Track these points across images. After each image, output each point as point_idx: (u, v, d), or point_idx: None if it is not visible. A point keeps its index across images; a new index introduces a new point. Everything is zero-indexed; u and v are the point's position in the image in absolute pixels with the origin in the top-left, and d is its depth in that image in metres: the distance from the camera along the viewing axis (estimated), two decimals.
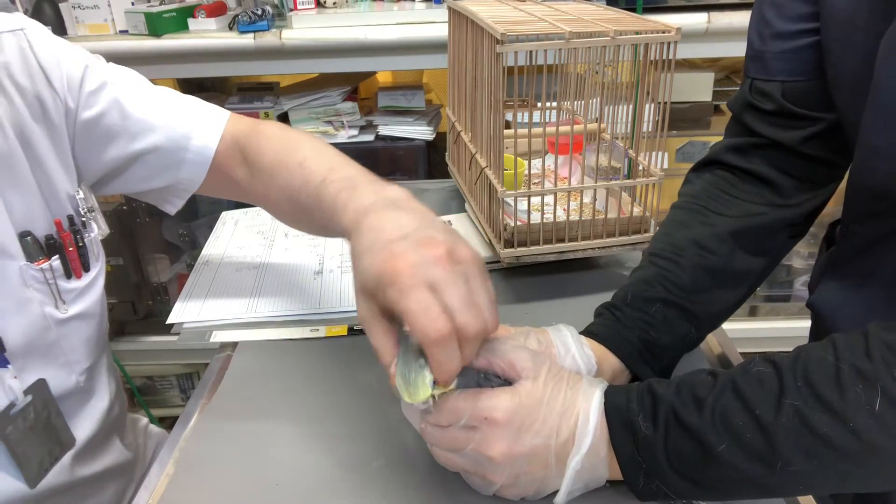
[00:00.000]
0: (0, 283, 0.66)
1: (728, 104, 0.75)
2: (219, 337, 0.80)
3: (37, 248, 0.69)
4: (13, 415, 0.67)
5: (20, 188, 0.68)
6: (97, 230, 0.76)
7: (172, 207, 0.81)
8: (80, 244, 0.74)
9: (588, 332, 0.65)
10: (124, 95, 0.74)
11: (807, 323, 0.78)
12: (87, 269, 0.75)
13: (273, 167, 0.73)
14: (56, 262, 0.71)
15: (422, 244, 0.49)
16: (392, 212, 0.53)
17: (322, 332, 0.79)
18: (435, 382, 0.50)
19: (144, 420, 0.98)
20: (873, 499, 0.68)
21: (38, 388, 0.70)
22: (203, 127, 0.76)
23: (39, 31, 0.71)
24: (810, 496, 0.57)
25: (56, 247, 0.71)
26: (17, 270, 0.68)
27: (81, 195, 0.74)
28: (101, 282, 0.77)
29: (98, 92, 0.73)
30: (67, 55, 0.72)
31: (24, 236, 0.68)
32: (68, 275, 0.72)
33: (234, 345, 0.79)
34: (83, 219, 0.74)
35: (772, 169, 0.70)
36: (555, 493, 0.54)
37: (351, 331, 0.79)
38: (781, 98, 0.67)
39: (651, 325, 0.64)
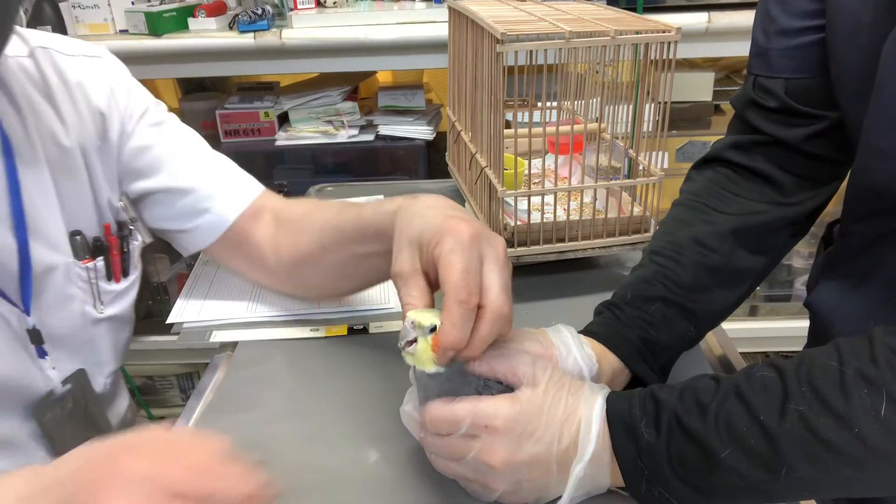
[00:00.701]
0: (47, 277, 0.70)
1: (731, 101, 0.74)
2: (219, 337, 0.80)
3: (84, 247, 0.74)
4: (52, 402, 0.71)
5: (76, 189, 0.73)
6: (140, 239, 0.81)
7: (183, 251, 0.83)
8: (125, 250, 0.78)
9: (588, 332, 0.65)
10: (176, 139, 0.80)
11: (807, 322, 0.78)
12: (125, 274, 0.79)
13: (305, 214, 0.77)
14: (100, 262, 0.75)
15: (486, 228, 0.54)
16: (448, 199, 0.59)
17: (322, 332, 0.79)
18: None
19: (143, 422, 0.99)
20: (869, 503, 0.68)
21: (78, 378, 0.74)
22: (230, 195, 0.80)
23: (116, 63, 0.79)
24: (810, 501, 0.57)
25: (102, 248, 0.75)
26: (65, 267, 0.72)
27: (123, 205, 0.78)
28: (136, 290, 0.81)
29: (155, 126, 0.79)
30: (137, 90, 0.79)
31: (74, 235, 0.72)
32: (109, 277, 0.77)
33: (234, 345, 0.79)
34: (130, 227, 0.79)
35: (774, 167, 0.70)
36: (556, 499, 0.54)
37: (351, 331, 0.79)
38: (784, 95, 0.67)
39: (651, 324, 0.64)
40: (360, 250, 0.68)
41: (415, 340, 0.51)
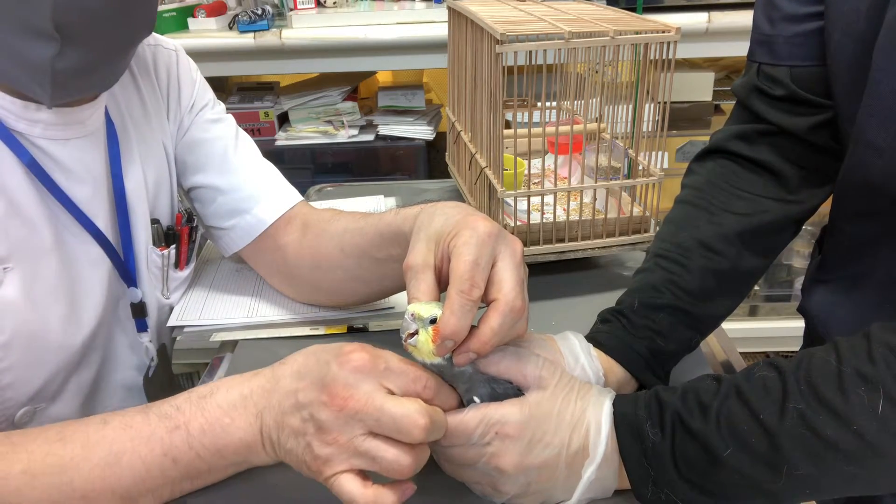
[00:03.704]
0: (140, 258, 0.76)
1: (733, 88, 0.73)
2: (219, 336, 0.80)
3: (160, 235, 0.78)
4: (151, 377, 0.77)
5: (158, 178, 0.77)
6: (201, 228, 0.84)
7: (223, 251, 0.84)
8: (193, 239, 0.82)
9: (594, 341, 0.64)
10: (228, 139, 0.82)
11: None
12: (188, 262, 0.83)
13: (330, 218, 0.78)
14: (173, 251, 0.79)
15: (506, 232, 0.54)
16: (470, 206, 0.59)
17: (321, 330, 0.79)
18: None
19: None
20: (863, 502, 0.68)
21: (162, 352, 0.80)
22: (270, 200, 0.80)
23: (186, 58, 0.83)
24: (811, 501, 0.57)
25: (175, 237, 0.80)
26: (146, 253, 0.76)
27: (180, 197, 0.81)
28: (191, 277, 0.85)
29: (215, 122, 0.82)
30: (202, 85, 0.83)
31: (153, 223, 0.77)
32: (176, 265, 0.81)
33: (234, 344, 0.79)
34: (195, 216, 0.83)
35: (778, 158, 0.69)
36: (562, 500, 0.54)
37: (351, 329, 0.79)
38: (791, 83, 0.66)
39: (658, 334, 0.63)
40: (378, 254, 0.69)
41: (416, 333, 0.51)
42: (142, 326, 0.76)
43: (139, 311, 0.75)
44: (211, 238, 0.85)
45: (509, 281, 0.50)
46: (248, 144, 0.84)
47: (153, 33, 0.79)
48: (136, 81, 0.76)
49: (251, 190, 0.80)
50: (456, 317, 0.48)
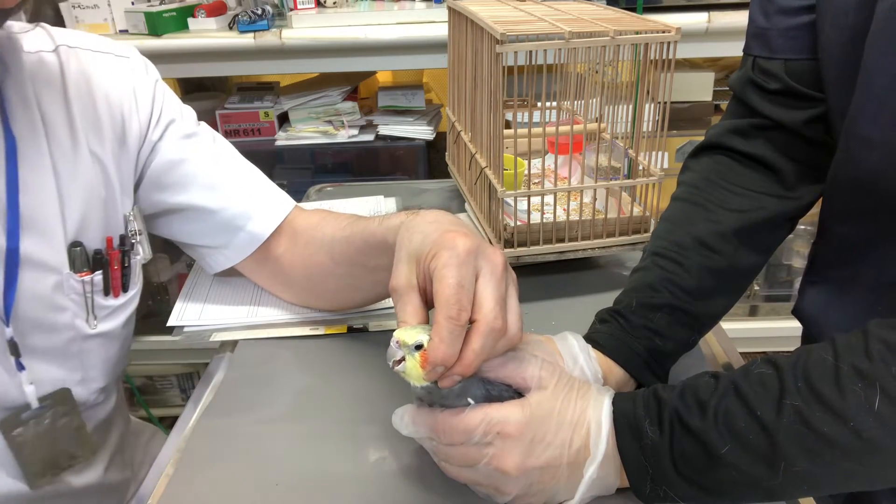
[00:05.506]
0: (36, 288, 0.67)
1: (729, 83, 0.73)
2: (219, 336, 0.80)
3: (84, 260, 0.70)
4: (25, 418, 0.68)
5: (85, 198, 0.69)
6: (142, 254, 0.77)
7: (209, 268, 0.82)
8: (126, 265, 0.75)
9: (592, 342, 0.64)
10: (208, 152, 0.77)
11: None
12: (125, 289, 0.75)
13: (317, 224, 0.76)
14: (98, 277, 0.72)
15: (485, 242, 0.53)
16: (450, 214, 0.58)
17: (321, 330, 0.79)
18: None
19: (149, 430, 0.98)
20: (861, 498, 0.68)
21: (60, 398, 0.71)
22: (263, 214, 0.78)
23: (144, 65, 0.76)
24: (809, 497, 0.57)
25: (102, 262, 0.72)
26: (57, 279, 0.68)
27: (132, 217, 0.75)
28: (135, 305, 0.78)
29: (189, 137, 0.76)
30: (163, 96, 0.76)
31: (74, 246, 0.69)
32: (106, 292, 0.73)
33: (234, 343, 0.79)
34: (133, 241, 0.75)
35: (774, 152, 0.68)
36: (564, 500, 0.54)
37: (351, 329, 0.79)
38: (786, 76, 0.66)
39: (657, 333, 0.64)
40: (369, 263, 0.68)
41: (403, 359, 0.51)
42: (18, 366, 0.67)
43: (12, 349, 0.66)
44: (197, 256, 0.82)
45: (489, 299, 0.50)
46: (227, 153, 0.80)
47: (106, 39, 0.75)
48: (66, 93, 0.69)
49: (241, 206, 0.77)
50: (445, 343, 0.48)
